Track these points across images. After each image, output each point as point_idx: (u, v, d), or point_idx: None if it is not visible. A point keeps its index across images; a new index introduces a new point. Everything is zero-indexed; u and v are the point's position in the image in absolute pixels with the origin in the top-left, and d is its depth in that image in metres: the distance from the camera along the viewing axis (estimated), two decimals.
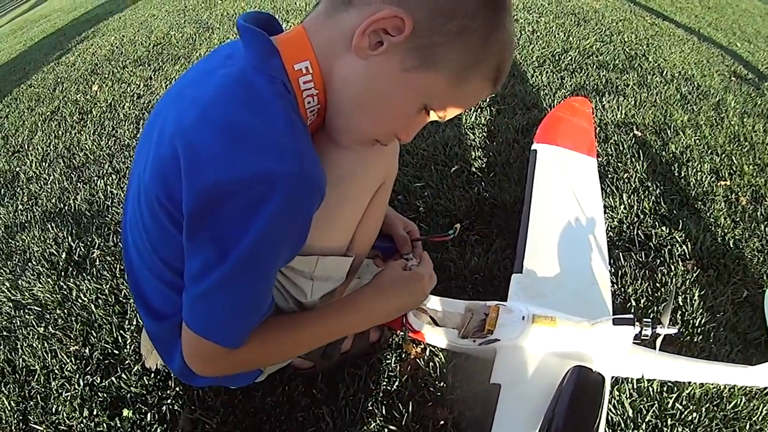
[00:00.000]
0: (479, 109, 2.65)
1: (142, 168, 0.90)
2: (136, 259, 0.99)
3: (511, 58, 0.86)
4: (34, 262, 1.87)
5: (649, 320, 1.24)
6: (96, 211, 2.15)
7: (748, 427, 1.27)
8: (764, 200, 2.06)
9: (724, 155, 2.34)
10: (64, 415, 1.34)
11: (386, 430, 1.27)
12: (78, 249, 1.91)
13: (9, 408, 1.38)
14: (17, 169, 2.58)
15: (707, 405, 1.31)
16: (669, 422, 1.27)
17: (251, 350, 0.92)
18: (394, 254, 1.26)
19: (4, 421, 1.35)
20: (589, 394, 1.18)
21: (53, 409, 1.36)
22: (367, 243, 1.11)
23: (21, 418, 1.36)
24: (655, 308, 1.56)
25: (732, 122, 2.66)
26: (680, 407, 1.31)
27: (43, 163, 2.58)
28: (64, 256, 1.88)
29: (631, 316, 1.25)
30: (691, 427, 1.27)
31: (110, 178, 2.37)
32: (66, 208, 2.21)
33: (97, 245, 1.93)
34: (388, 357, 1.42)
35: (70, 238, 1.97)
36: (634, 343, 1.27)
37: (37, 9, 10.14)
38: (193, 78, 0.88)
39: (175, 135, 0.78)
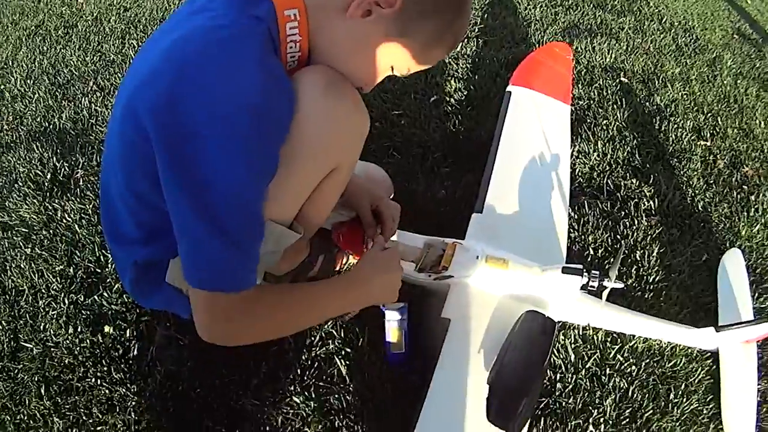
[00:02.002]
0: (466, 39, 2.57)
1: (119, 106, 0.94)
2: (112, 182, 1.03)
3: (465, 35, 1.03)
4: (20, 183, 1.89)
5: (597, 273, 1.27)
6: (80, 129, 2.16)
7: (683, 387, 1.31)
8: (742, 167, 2.04)
9: (709, 114, 2.30)
10: (51, 332, 1.41)
11: (343, 351, 1.33)
12: (63, 169, 1.93)
13: (1, 327, 1.44)
14: (1, 87, 2.51)
15: (647, 360, 1.35)
16: (608, 372, 1.31)
17: (264, 299, 0.96)
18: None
19: None
20: (540, 338, 1.21)
21: (41, 327, 1.43)
22: (313, 223, 1.14)
23: (12, 336, 1.42)
24: (612, 259, 1.56)
25: (725, 82, 2.59)
26: (621, 359, 1.34)
27: (28, 81, 2.53)
28: (49, 176, 1.90)
29: (580, 266, 1.28)
30: (629, 379, 1.31)
31: (94, 96, 2.35)
32: (51, 127, 2.20)
33: (81, 165, 1.94)
34: None
35: (54, 158, 1.98)
36: (582, 292, 1.30)
37: None
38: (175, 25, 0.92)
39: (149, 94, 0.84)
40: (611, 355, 1.35)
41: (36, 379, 1.31)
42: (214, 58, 0.82)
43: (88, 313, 1.44)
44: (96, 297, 1.47)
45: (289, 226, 1.04)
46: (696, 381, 1.32)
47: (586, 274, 1.27)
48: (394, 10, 0.92)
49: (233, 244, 0.86)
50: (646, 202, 1.77)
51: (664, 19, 3.16)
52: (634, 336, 1.38)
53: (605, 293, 1.27)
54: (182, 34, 0.85)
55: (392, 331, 1.27)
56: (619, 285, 1.27)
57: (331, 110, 0.97)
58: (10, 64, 2.70)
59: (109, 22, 2.97)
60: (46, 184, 1.87)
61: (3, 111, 2.33)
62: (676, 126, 2.16)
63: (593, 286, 1.27)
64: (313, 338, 1.34)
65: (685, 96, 2.39)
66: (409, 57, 0.99)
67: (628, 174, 1.89)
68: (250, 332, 0.97)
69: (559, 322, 1.33)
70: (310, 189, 1.04)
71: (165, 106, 0.81)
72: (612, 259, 1.56)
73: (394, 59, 1.00)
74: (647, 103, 2.30)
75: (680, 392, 1.30)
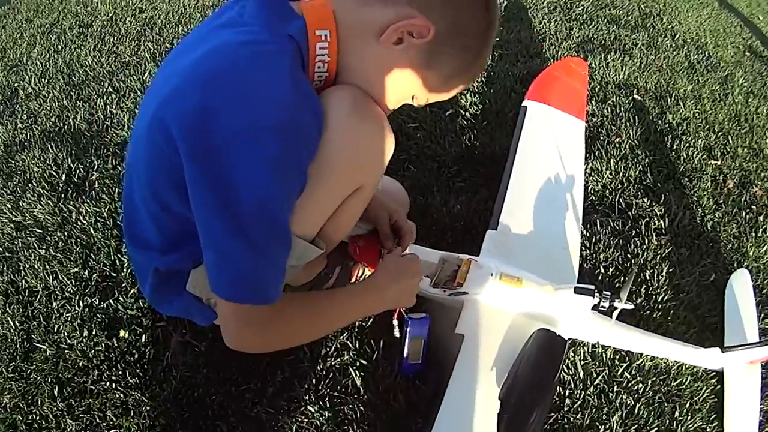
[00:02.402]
0: None
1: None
2: (135, 188, 1.04)
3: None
4: (34, 183, 1.88)
5: (608, 294, 1.29)
6: (95, 131, 2.14)
7: (688, 405, 1.32)
8: (751, 186, 2.04)
9: (720, 133, 2.30)
10: (65, 334, 1.40)
11: (358, 363, 1.34)
12: (77, 171, 1.92)
13: (14, 327, 1.44)
14: (16, 84, 2.50)
15: (654, 378, 1.36)
16: (615, 389, 1.32)
17: (291, 308, 0.99)
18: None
19: (9, 340, 1.41)
20: (551, 355, 1.24)
21: (55, 328, 1.42)
22: (334, 239, 1.15)
23: (25, 336, 1.42)
24: (623, 278, 1.57)
25: (736, 100, 2.59)
26: (628, 376, 1.35)
27: (42, 79, 2.52)
28: (63, 177, 1.89)
29: (592, 287, 1.29)
30: (636, 396, 1.32)
31: (110, 98, 2.33)
32: (65, 127, 2.19)
33: (96, 167, 1.94)
34: None
35: (69, 160, 1.97)
36: (593, 312, 1.32)
37: None
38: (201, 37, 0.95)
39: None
40: (619, 372, 1.36)
41: (49, 380, 1.32)
42: (246, 72, 0.83)
43: (103, 316, 1.44)
44: (111, 301, 1.47)
45: (311, 242, 1.06)
46: (701, 400, 1.33)
47: (597, 294, 1.28)
48: (425, 41, 0.93)
49: (262, 256, 0.88)
50: (656, 221, 1.78)
51: (677, 36, 3.16)
52: (641, 354, 1.39)
53: (615, 313, 1.28)
54: (213, 45, 0.87)
55: (413, 342, 1.28)
56: (630, 306, 1.28)
57: (357, 130, 0.98)
58: (25, 61, 2.69)
59: (125, 23, 2.97)
60: (60, 185, 1.86)
61: (17, 109, 2.31)
62: (687, 145, 2.17)
63: (604, 307, 1.29)
64: (328, 349, 1.35)
65: (696, 114, 2.39)
66: (431, 87, 1.02)
67: (639, 193, 1.90)
68: (279, 340, 1.02)
69: (569, 339, 1.35)
70: (334, 207, 1.06)
71: (195, 117, 0.82)
72: (623, 280, 1.57)
73: (416, 88, 1.02)
74: (659, 121, 2.30)
75: (685, 410, 1.31)
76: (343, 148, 0.97)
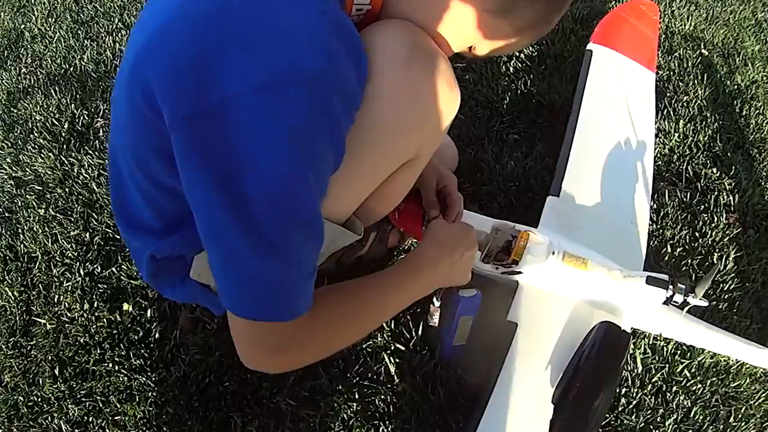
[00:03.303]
0: None
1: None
2: (121, 159, 0.83)
3: None
4: (35, 134, 1.77)
5: (683, 286, 1.13)
6: (103, 72, 2.03)
7: (743, 409, 1.22)
8: None
9: None
10: (66, 305, 1.32)
11: (393, 347, 1.18)
12: (81, 117, 1.81)
13: (13, 297, 1.35)
14: (22, 26, 2.38)
15: (713, 378, 1.25)
16: (674, 389, 1.21)
17: (323, 317, 0.77)
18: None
19: (9, 312, 1.34)
20: (614, 356, 1.09)
21: (55, 299, 1.33)
22: (375, 219, 0.99)
23: (24, 308, 1.34)
24: (690, 260, 1.43)
25: None
26: (688, 375, 1.24)
27: (50, 19, 2.39)
28: (66, 126, 1.78)
29: (666, 278, 1.14)
30: (693, 398, 1.22)
31: (119, 34, 2.21)
32: (71, 69, 2.07)
33: (101, 113, 1.82)
34: None
35: (73, 105, 1.86)
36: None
37: None
38: None
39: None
40: (678, 370, 1.23)
41: (50, 358, 1.23)
42: (256, 3, 0.61)
43: (105, 287, 1.33)
44: (114, 269, 1.35)
45: (345, 223, 0.86)
46: (756, 404, 1.22)
47: (671, 287, 1.12)
48: None
49: (283, 259, 0.66)
50: (725, 196, 1.60)
51: None
52: (703, 350, 1.26)
53: (687, 308, 1.15)
54: None
55: (463, 322, 1.11)
56: (704, 303, 1.14)
57: (417, 83, 0.77)
58: (33, 1, 2.55)
59: None
60: (63, 134, 1.74)
61: (22, 53, 2.20)
62: (757, 111, 1.96)
63: (677, 302, 1.13)
64: None
65: (765, 78, 2.17)
66: (498, 38, 0.84)
67: (708, 161, 1.71)
68: (311, 354, 0.81)
69: (631, 329, 1.21)
70: (379, 182, 0.86)
71: (183, 68, 0.61)
72: (697, 275, 1.41)
73: (479, 37, 0.83)
74: (728, 81, 2.09)
75: (740, 415, 1.20)
76: (397, 107, 0.77)
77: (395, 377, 1.14)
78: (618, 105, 1.61)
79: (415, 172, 0.94)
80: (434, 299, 1.08)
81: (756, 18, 2.63)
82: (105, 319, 1.27)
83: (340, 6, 0.72)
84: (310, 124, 0.62)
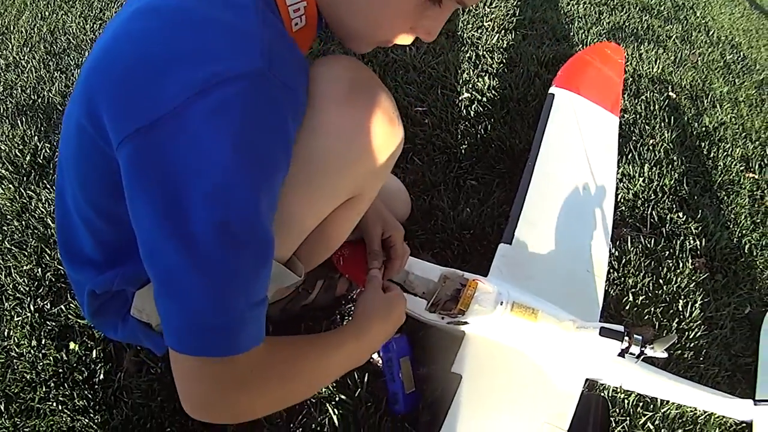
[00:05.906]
0: (502, 30, 2.36)
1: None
2: (67, 188, 0.80)
3: None
4: None
5: (639, 337, 1.07)
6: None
7: None
8: None
9: (758, 143, 2.10)
10: (15, 340, 1.30)
11: (337, 398, 1.13)
12: (44, 150, 1.80)
13: None
14: None
15: (679, 430, 1.21)
16: None
17: (275, 360, 0.71)
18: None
19: None
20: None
21: (5, 333, 1.32)
22: (317, 260, 0.93)
23: None
24: (653, 308, 1.39)
25: None
26: (651, 427, 1.19)
27: (25, 48, 2.42)
28: (28, 158, 1.78)
29: (621, 329, 1.08)
30: None
31: None
32: (39, 100, 2.07)
33: None
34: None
35: (37, 138, 1.86)
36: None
37: None
38: None
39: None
40: (641, 423, 1.18)
41: None
42: (195, 10, 0.60)
43: (54, 324, 1.30)
44: (63, 306, 1.33)
45: (286, 263, 0.81)
46: None
47: (626, 338, 1.06)
48: None
49: (227, 281, 0.60)
50: (692, 241, 1.57)
51: (711, 32, 2.97)
52: (667, 402, 1.22)
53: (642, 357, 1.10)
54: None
55: (403, 364, 1.08)
56: (664, 355, 1.08)
57: (354, 119, 0.74)
58: (11, 29, 2.59)
59: None
60: (24, 166, 1.73)
61: None
62: (724, 153, 1.96)
63: (633, 353, 1.07)
64: None
65: (733, 119, 2.19)
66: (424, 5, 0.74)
67: (674, 205, 1.69)
68: (261, 404, 0.72)
69: (587, 381, 1.16)
70: (319, 220, 0.82)
71: (123, 80, 0.58)
72: (657, 331, 1.37)
73: (408, 10, 0.74)
74: (696, 124, 2.09)
75: None
76: (338, 142, 0.73)
77: (339, 430, 1.08)
78: (578, 150, 1.58)
79: (358, 211, 0.91)
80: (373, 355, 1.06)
81: (724, 60, 2.68)
82: (52, 357, 1.24)
83: (277, 18, 0.69)
84: (254, 127, 0.59)
